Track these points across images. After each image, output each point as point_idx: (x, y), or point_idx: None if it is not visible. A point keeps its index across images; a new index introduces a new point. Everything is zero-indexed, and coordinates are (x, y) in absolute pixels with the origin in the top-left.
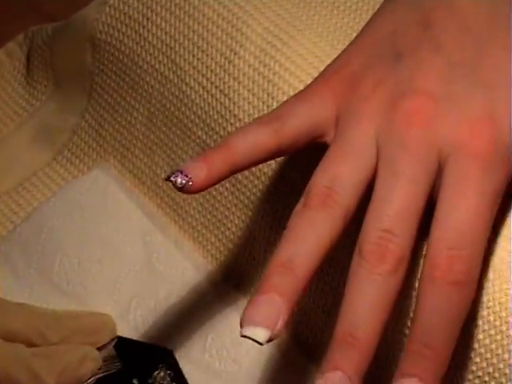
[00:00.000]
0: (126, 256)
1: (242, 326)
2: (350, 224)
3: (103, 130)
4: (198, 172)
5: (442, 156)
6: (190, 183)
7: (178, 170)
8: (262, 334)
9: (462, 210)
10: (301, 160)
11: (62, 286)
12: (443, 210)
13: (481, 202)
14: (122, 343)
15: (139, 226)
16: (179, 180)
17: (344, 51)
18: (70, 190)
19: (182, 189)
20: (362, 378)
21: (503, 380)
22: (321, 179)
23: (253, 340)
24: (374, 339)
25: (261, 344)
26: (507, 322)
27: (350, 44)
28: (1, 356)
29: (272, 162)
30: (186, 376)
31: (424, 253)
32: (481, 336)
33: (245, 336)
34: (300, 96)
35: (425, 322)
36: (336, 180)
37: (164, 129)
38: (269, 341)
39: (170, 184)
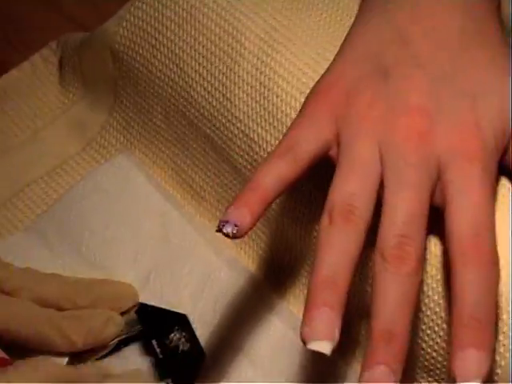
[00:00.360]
0: (145, 232)
1: (306, 342)
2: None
3: (128, 126)
4: (243, 219)
5: (440, 165)
6: (239, 230)
7: (225, 221)
8: (327, 346)
9: (475, 204)
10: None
11: (90, 258)
12: (457, 207)
13: (486, 195)
14: (143, 309)
15: (157, 206)
16: (229, 230)
17: (331, 70)
18: (97, 175)
19: (233, 237)
20: (403, 369)
21: None
22: (339, 196)
23: (319, 352)
24: (406, 333)
25: (327, 354)
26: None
27: (335, 62)
28: (35, 318)
29: None
30: (199, 337)
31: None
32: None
33: (312, 350)
34: (303, 121)
35: (469, 299)
36: (353, 196)
37: (178, 125)
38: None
39: (222, 234)
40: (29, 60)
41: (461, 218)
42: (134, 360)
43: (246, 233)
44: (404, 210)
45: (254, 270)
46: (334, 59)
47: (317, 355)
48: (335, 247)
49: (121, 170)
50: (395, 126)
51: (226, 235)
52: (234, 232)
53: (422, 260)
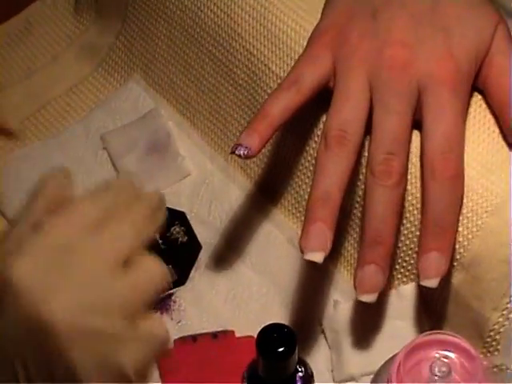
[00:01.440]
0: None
1: (303, 252)
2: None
3: (133, 48)
4: (253, 142)
5: (420, 87)
6: (250, 152)
7: (238, 144)
8: (319, 256)
9: (445, 123)
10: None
11: (104, 166)
12: (430, 125)
13: (456, 115)
14: None
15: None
16: (242, 152)
17: (326, 15)
18: (112, 100)
19: (245, 158)
20: (390, 267)
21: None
22: (334, 124)
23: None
24: (392, 236)
25: (319, 263)
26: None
27: (328, 7)
28: None
29: None
30: (196, 231)
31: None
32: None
33: (307, 259)
34: (305, 59)
35: (434, 208)
36: (345, 123)
37: (180, 44)
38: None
39: (235, 156)
40: None
41: (432, 136)
42: None
43: (255, 155)
44: (390, 132)
45: (245, 176)
46: (328, 4)
47: (299, 250)
48: (330, 168)
49: (131, 95)
50: (381, 58)
51: (239, 156)
52: (246, 153)
53: (405, 173)
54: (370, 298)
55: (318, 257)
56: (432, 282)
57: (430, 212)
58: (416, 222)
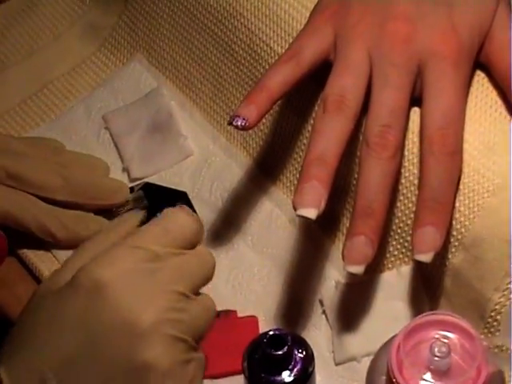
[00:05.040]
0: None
1: (296, 209)
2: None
3: (136, 28)
4: (251, 113)
5: (420, 63)
6: (247, 123)
7: (236, 115)
8: (312, 212)
9: (445, 99)
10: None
11: (105, 144)
12: (430, 101)
13: (456, 91)
14: (148, 187)
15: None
16: (239, 123)
17: None
18: (114, 80)
19: (242, 129)
20: (379, 240)
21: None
22: (333, 89)
23: (306, 218)
24: (384, 209)
25: (312, 219)
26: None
27: None
28: (37, 209)
29: None
30: (197, 211)
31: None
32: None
33: (300, 215)
34: (305, 32)
35: (431, 183)
36: (344, 89)
37: (182, 23)
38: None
39: (233, 126)
40: None
41: (431, 112)
42: None
43: (253, 126)
44: (387, 105)
45: (247, 156)
46: None
47: (303, 232)
48: (327, 131)
49: (134, 74)
50: (382, 32)
51: (236, 127)
52: (243, 125)
53: (401, 147)
54: (357, 269)
55: (310, 213)
56: (426, 257)
57: (426, 187)
58: (409, 195)
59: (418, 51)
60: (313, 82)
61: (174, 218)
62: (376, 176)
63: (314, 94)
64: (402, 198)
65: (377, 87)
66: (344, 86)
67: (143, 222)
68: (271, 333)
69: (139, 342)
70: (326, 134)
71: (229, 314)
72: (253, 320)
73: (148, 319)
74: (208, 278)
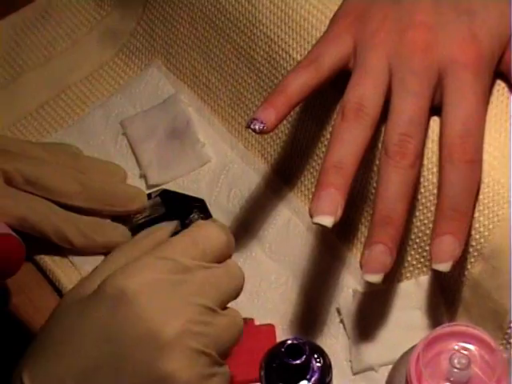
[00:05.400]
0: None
1: (312, 216)
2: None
3: (154, 34)
4: (269, 117)
5: (440, 71)
6: (265, 127)
7: (254, 119)
8: (328, 220)
9: (465, 107)
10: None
11: (123, 151)
12: (450, 109)
13: (477, 100)
14: (166, 194)
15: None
16: (257, 127)
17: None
18: (132, 86)
19: (260, 132)
20: (397, 249)
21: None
22: (352, 97)
23: (322, 225)
24: (403, 218)
25: (328, 227)
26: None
27: None
28: (54, 214)
29: None
30: (214, 218)
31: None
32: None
33: (316, 223)
34: (325, 39)
35: (450, 192)
36: (363, 97)
37: (202, 31)
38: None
39: (250, 130)
40: None
41: (451, 120)
42: None
43: (270, 130)
44: (407, 113)
45: (265, 163)
46: None
47: (320, 240)
48: (345, 139)
49: (152, 81)
50: (403, 40)
51: (254, 131)
52: (261, 128)
53: (420, 156)
54: (375, 278)
55: (326, 220)
56: (444, 266)
57: (445, 196)
58: (428, 204)
59: (438, 60)
60: (331, 89)
61: (204, 230)
62: (395, 184)
63: (332, 101)
64: (420, 207)
65: (396, 95)
66: (363, 93)
67: (174, 233)
68: (289, 342)
69: (161, 354)
70: (344, 142)
71: (246, 321)
72: (270, 328)
73: (171, 331)
74: (237, 293)
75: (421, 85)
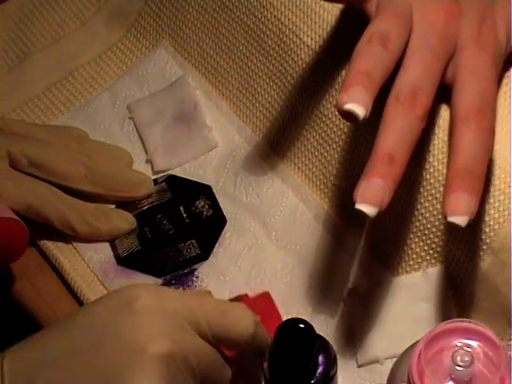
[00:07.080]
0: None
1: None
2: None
3: (162, 13)
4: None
5: (457, 44)
6: (366, 113)
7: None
8: (373, 210)
9: (482, 81)
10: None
11: (129, 135)
12: (466, 82)
13: (493, 80)
14: (172, 179)
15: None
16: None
17: None
18: (140, 67)
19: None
20: (395, 193)
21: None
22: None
23: (364, 213)
24: (405, 163)
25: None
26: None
27: None
28: (59, 201)
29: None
30: (221, 205)
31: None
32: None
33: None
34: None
35: (467, 154)
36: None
37: (211, 11)
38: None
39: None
40: None
41: (469, 92)
42: None
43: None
44: (422, 67)
45: (272, 149)
46: None
47: (327, 229)
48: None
49: (159, 62)
50: (428, 2)
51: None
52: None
53: (428, 111)
54: (369, 209)
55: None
56: (460, 220)
57: (461, 157)
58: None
59: (457, 34)
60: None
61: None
62: (402, 127)
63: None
64: (430, 197)
65: (415, 48)
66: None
67: None
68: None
69: (133, 365)
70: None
71: (240, 298)
72: (265, 296)
73: (154, 348)
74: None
75: (439, 44)
